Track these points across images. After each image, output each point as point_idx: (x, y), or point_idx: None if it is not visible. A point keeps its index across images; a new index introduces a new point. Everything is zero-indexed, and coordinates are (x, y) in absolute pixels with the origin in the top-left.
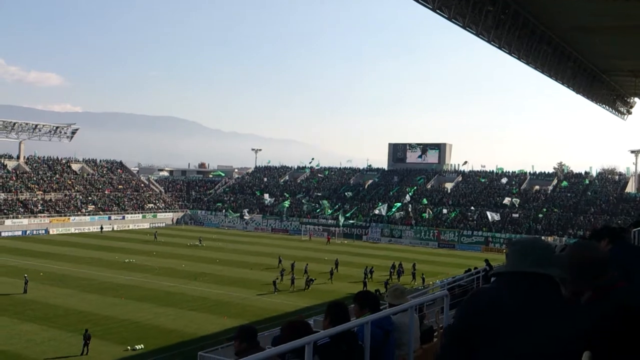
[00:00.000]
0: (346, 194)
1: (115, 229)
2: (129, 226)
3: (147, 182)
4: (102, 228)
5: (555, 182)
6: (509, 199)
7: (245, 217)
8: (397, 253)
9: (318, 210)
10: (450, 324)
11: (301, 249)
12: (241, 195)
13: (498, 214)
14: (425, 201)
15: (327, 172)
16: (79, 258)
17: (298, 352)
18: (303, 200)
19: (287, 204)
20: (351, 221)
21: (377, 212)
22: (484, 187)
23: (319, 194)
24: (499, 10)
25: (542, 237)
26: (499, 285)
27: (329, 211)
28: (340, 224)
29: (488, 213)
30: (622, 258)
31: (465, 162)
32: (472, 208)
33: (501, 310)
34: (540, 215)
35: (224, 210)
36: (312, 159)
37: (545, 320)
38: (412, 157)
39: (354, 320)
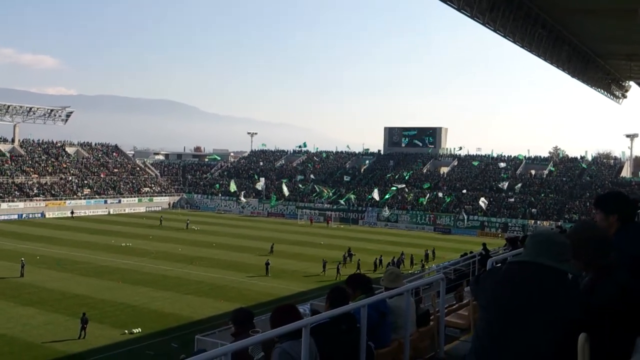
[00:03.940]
0: (345, 177)
1: (111, 212)
2: (125, 210)
3: (142, 166)
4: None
5: (552, 168)
6: (505, 183)
7: (241, 200)
8: (394, 237)
9: (315, 195)
10: (477, 276)
11: (299, 233)
12: (237, 179)
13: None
14: (427, 185)
15: (321, 156)
16: (75, 242)
17: (290, 335)
18: (300, 185)
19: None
20: (343, 205)
21: (375, 197)
22: (480, 171)
23: (314, 178)
24: None
25: (538, 222)
26: (517, 269)
27: (326, 195)
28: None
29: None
30: (632, 245)
31: (461, 148)
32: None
33: (513, 289)
34: (533, 200)
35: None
36: (304, 143)
37: (550, 309)
38: (407, 141)
39: (352, 304)
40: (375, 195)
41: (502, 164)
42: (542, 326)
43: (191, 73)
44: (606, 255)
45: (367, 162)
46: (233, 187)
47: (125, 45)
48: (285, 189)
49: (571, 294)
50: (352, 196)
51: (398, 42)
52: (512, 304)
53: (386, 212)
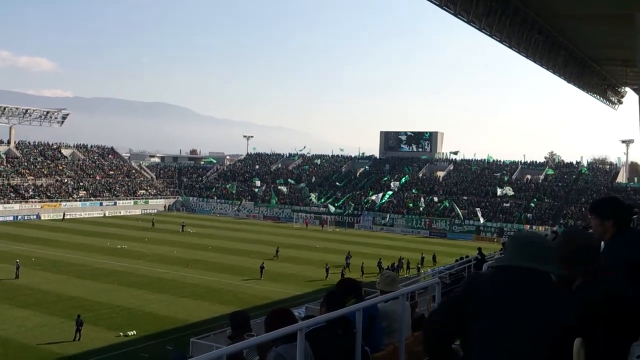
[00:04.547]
0: (337, 183)
1: (106, 214)
2: (120, 212)
3: (138, 168)
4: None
5: (551, 171)
6: (501, 189)
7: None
8: (390, 242)
9: (310, 199)
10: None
11: (295, 236)
12: (233, 182)
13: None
14: (415, 191)
15: (318, 161)
16: (70, 244)
17: (285, 339)
18: (298, 186)
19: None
20: (340, 210)
21: (373, 198)
22: (476, 176)
23: (309, 183)
24: None
25: (533, 227)
26: (500, 274)
27: (315, 200)
28: (332, 211)
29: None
30: (628, 251)
31: (457, 152)
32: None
33: (499, 294)
34: (532, 205)
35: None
36: (304, 146)
37: (537, 312)
38: (403, 145)
39: (345, 308)
40: (377, 198)
41: (497, 174)
42: (527, 331)
43: (188, 76)
44: (593, 261)
45: (363, 166)
46: (232, 188)
47: (122, 47)
48: (284, 188)
49: (556, 297)
50: (350, 204)
51: (396, 42)
52: (496, 309)
53: (385, 218)
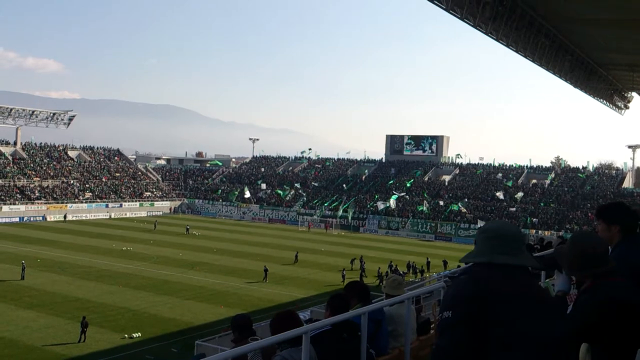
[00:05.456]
0: (344, 185)
1: (112, 216)
2: (126, 214)
3: (144, 170)
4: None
5: (552, 175)
6: (502, 192)
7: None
8: (395, 245)
9: (316, 202)
10: (447, 313)
11: (300, 239)
12: (238, 184)
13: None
14: (425, 193)
15: (329, 163)
16: (76, 245)
17: (291, 342)
18: (300, 191)
19: (284, 194)
20: (347, 214)
21: (380, 206)
22: (481, 180)
23: (316, 184)
24: (497, 1)
25: (539, 232)
26: (485, 271)
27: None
28: (339, 215)
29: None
30: (634, 256)
31: (459, 155)
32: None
33: (500, 293)
34: (532, 208)
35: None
36: (310, 149)
37: (540, 306)
38: (409, 149)
39: (350, 312)
40: (384, 204)
41: (500, 175)
42: (536, 336)
43: (193, 79)
44: (600, 265)
45: (371, 170)
46: (235, 194)
47: (128, 49)
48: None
49: (555, 298)
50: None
51: (399, 46)
52: (508, 316)
53: (390, 221)
